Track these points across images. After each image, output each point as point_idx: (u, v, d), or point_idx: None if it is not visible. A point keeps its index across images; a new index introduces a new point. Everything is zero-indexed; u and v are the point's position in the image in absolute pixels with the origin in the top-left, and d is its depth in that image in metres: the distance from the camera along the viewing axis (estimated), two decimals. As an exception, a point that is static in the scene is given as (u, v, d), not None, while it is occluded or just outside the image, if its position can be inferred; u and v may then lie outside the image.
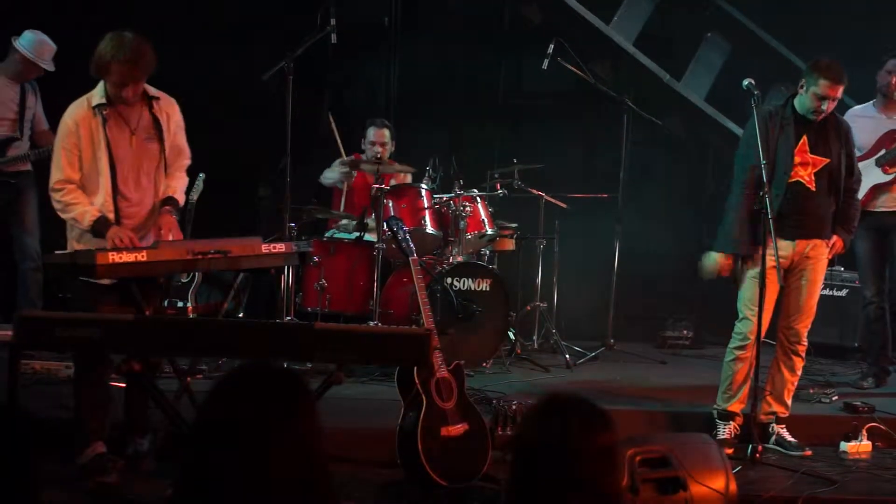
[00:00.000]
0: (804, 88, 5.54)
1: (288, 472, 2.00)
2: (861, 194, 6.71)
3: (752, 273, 5.62)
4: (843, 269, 8.23)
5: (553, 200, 8.03)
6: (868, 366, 7.22)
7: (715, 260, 5.68)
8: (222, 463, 1.99)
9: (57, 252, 4.76)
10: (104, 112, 4.81)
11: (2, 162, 6.79)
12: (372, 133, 7.71)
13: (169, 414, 4.43)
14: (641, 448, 4.56)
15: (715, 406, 5.79)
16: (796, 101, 5.62)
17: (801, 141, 5.56)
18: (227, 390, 2.10)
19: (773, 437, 5.74)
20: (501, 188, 7.87)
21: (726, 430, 5.69)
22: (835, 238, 5.67)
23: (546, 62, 7.89)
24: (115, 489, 4.69)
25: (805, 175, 5.57)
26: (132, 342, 4.15)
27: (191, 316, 6.84)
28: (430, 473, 4.77)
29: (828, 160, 5.57)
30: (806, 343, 5.75)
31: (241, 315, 7.35)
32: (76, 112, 4.80)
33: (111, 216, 4.81)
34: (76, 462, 4.79)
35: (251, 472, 1.98)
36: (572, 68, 7.88)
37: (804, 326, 5.71)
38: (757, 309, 5.54)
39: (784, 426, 5.77)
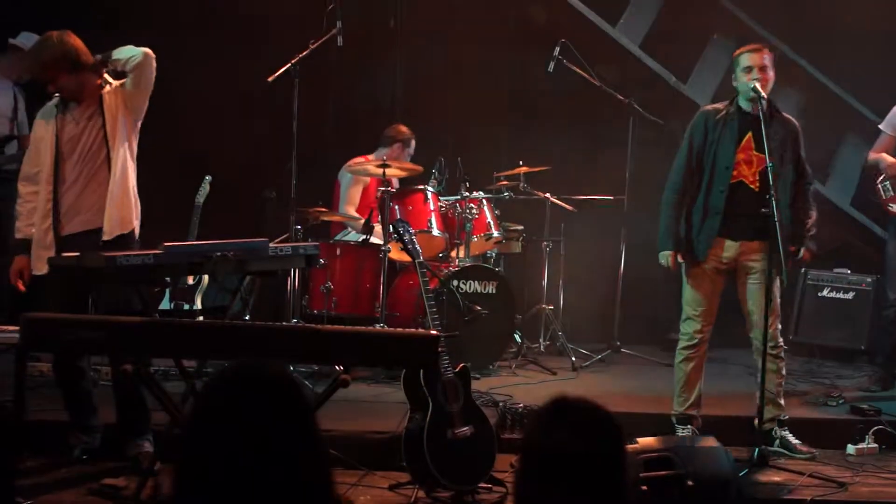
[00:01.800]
0: (735, 77, 5.60)
1: (286, 477, 1.99)
2: None
3: (692, 271, 5.66)
4: (849, 271, 8.21)
5: (559, 202, 8.03)
6: (875, 368, 7.18)
7: (665, 258, 5.75)
8: (216, 468, 1.98)
9: (63, 255, 4.76)
10: (59, 106, 5.08)
11: (2, 159, 6.81)
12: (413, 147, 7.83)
13: (174, 416, 4.43)
14: (646, 450, 4.56)
15: (673, 412, 5.75)
16: (739, 98, 5.64)
17: (746, 138, 5.55)
18: (219, 393, 2.08)
19: (777, 441, 5.72)
20: (507, 190, 7.87)
21: (685, 434, 5.64)
22: (803, 252, 5.65)
23: (552, 64, 7.90)
24: (120, 490, 4.69)
25: (749, 174, 5.55)
26: (138, 344, 4.16)
27: (197, 318, 6.84)
28: (436, 476, 4.77)
29: (771, 158, 5.50)
30: (781, 342, 5.72)
31: (247, 317, 7.36)
32: (43, 109, 5.14)
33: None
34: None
35: (247, 477, 1.97)
36: (578, 70, 7.88)
37: (773, 327, 5.62)
38: (699, 307, 5.64)
39: (786, 427, 5.74)
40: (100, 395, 5.30)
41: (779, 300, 5.68)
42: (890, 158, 6.79)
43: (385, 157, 7.22)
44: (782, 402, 5.77)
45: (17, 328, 4.15)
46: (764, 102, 5.45)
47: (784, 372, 5.79)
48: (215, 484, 1.96)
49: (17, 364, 4.65)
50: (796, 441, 5.69)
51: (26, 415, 4.92)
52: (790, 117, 5.78)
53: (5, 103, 6.97)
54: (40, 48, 5.06)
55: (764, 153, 5.48)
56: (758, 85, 5.48)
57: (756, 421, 5.55)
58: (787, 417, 5.77)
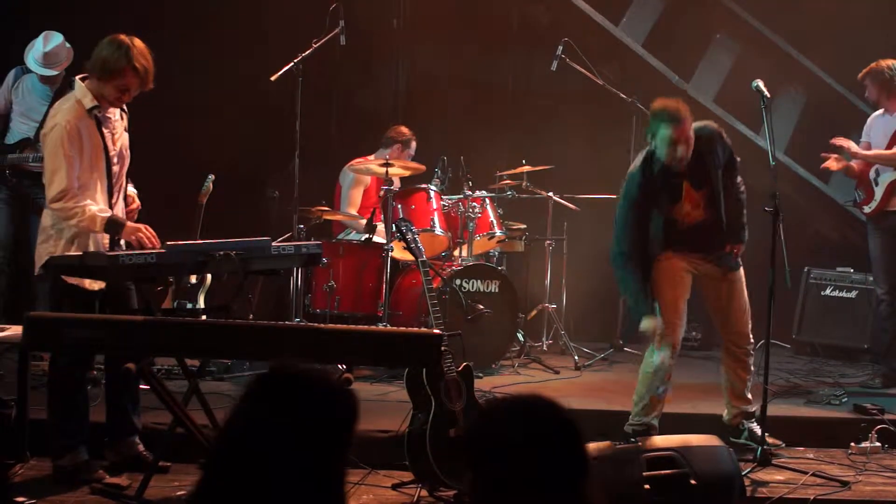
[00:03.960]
0: (653, 140, 5.32)
1: (309, 485, 2.00)
2: (879, 195, 6.76)
3: (664, 274, 5.55)
4: (852, 270, 8.20)
5: (562, 201, 8.03)
6: (877, 366, 7.20)
7: (648, 324, 5.48)
8: (247, 471, 1.99)
9: (66, 254, 4.74)
10: (98, 114, 4.80)
11: (9, 160, 6.75)
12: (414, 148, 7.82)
13: (177, 415, 4.43)
14: (650, 449, 4.55)
15: (631, 423, 5.56)
16: (657, 156, 5.38)
17: (685, 189, 5.43)
18: (259, 397, 2.08)
19: (745, 434, 5.66)
20: (510, 189, 7.87)
21: None
22: (738, 247, 5.56)
23: (555, 63, 7.89)
24: (123, 490, 4.70)
25: (698, 214, 5.49)
26: (141, 343, 4.16)
27: (200, 317, 6.84)
28: (439, 475, 4.77)
29: (707, 189, 5.46)
30: (752, 341, 5.69)
31: (250, 317, 7.36)
32: (73, 116, 4.70)
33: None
34: (57, 464, 4.81)
35: (276, 481, 1.98)
36: (580, 69, 7.88)
37: (746, 325, 5.61)
38: (677, 314, 5.50)
39: (753, 420, 5.67)
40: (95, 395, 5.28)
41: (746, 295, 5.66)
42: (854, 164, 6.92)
43: (386, 158, 7.25)
44: (750, 396, 5.71)
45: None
46: (766, 100, 5.45)
47: (752, 369, 5.73)
48: (239, 484, 1.97)
49: (20, 363, 4.65)
50: (761, 432, 5.61)
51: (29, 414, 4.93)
52: (706, 131, 5.50)
53: (36, 107, 6.80)
54: (148, 55, 4.80)
55: (701, 188, 5.43)
56: (760, 84, 5.47)
57: (725, 416, 5.73)
58: (754, 410, 5.68)
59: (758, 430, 5.61)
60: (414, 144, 7.79)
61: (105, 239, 4.82)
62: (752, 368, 5.73)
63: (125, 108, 5.00)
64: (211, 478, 2.04)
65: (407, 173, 7.42)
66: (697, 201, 5.49)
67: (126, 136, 5.00)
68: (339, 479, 2.07)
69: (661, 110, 5.29)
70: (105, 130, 4.83)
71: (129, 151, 5.02)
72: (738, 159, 5.66)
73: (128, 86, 4.75)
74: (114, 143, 4.88)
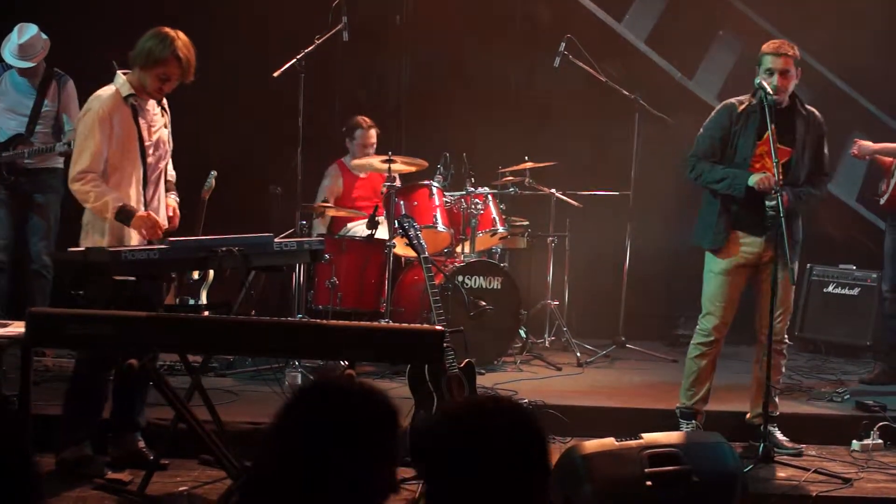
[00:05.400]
0: (759, 72, 5.54)
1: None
2: (891, 187, 6.83)
3: (715, 268, 5.56)
4: (854, 267, 8.20)
5: (564, 198, 8.03)
6: (880, 363, 7.19)
7: (757, 177, 5.38)
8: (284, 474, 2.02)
9: (69, 249, 4.75)
10: (134, 103, 4.88)
11: (3, 158, 6.73)
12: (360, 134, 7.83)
13: (180, 411, 4.44)
14: (652, 445, 4.55)
15: (678, 405, 5.69)
16: (760, 92, 5.56)
17: (770, 130, 5.44)
18: (305, 411, 2.10)
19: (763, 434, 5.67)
20: (512, 186, 7.86)
21: (690, 429, 5.56)
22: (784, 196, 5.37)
23: (557, 60, 7.89)
24: (125, 485, 4.70)
25: (772, 167, 5.42)
26: (144, 340, 4.16)
27: (203, 314, 6.84)
28: (441, 471, 4.76)
29: (791, 150, 5.51)
30: (786, 339, 5.69)
31: (252, 313, 7.36)
32: (108, 103, 4.83)
33: (140, 208, 4.88)
34: (59, 457, 4.82)
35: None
36: (583, 66, 7.88)
37: (784, 323, 5.61)
38: (720, 304, 5.54)
39: (775, 423, 5.66)
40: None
41: (791, 297, 5.65)
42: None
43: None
44: (777, 400, 5.73)
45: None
46: (772, 99, 5.41)
47: (783, 370, 5.75)
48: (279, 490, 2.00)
49: (22, 359, 4.66)
50: (783, 437, 5.63)
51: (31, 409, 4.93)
52: (818, 115, 5.69)
53: (21, 101, 6.83)
54: (192, 48, 4.94)
55: (787, 146, 5.49)
56: (766, 84, 5.43)
57: (748, 415, 5.72)
58: (776, 414, 5.68)
59: (778, 433, 5.64)
60: (359, 132, 7.77)
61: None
62: (783, 370, 5.73)
63: (166, 107, 5.07)
64: (260, 479, 2.07)
65: (407, 169, 7.42)
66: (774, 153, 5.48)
67: (166, 131, 5.09)
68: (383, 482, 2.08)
69: (770, 44, 5.60)
70: (141, 120, 4.92)
71: (169, 147, 5.12)
72: (827, 153, 5.74)
73: (169, 75, 4.87)
74: (150, 134, 4.96)
